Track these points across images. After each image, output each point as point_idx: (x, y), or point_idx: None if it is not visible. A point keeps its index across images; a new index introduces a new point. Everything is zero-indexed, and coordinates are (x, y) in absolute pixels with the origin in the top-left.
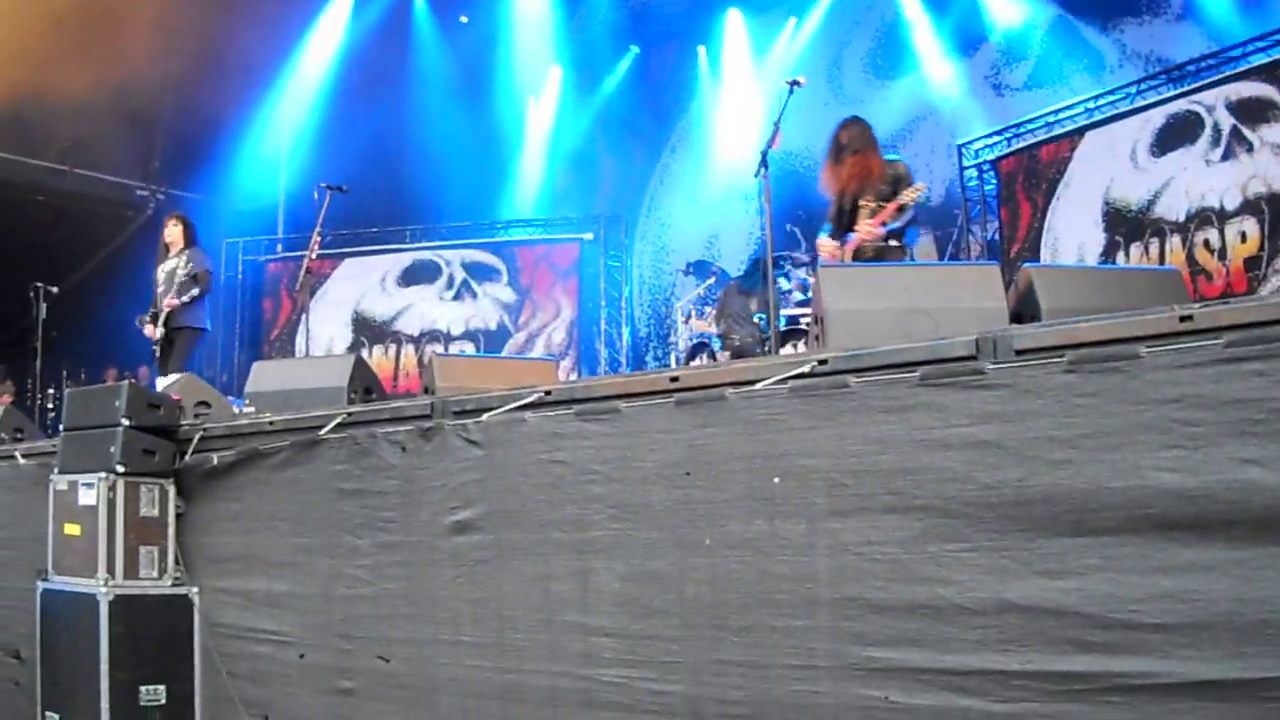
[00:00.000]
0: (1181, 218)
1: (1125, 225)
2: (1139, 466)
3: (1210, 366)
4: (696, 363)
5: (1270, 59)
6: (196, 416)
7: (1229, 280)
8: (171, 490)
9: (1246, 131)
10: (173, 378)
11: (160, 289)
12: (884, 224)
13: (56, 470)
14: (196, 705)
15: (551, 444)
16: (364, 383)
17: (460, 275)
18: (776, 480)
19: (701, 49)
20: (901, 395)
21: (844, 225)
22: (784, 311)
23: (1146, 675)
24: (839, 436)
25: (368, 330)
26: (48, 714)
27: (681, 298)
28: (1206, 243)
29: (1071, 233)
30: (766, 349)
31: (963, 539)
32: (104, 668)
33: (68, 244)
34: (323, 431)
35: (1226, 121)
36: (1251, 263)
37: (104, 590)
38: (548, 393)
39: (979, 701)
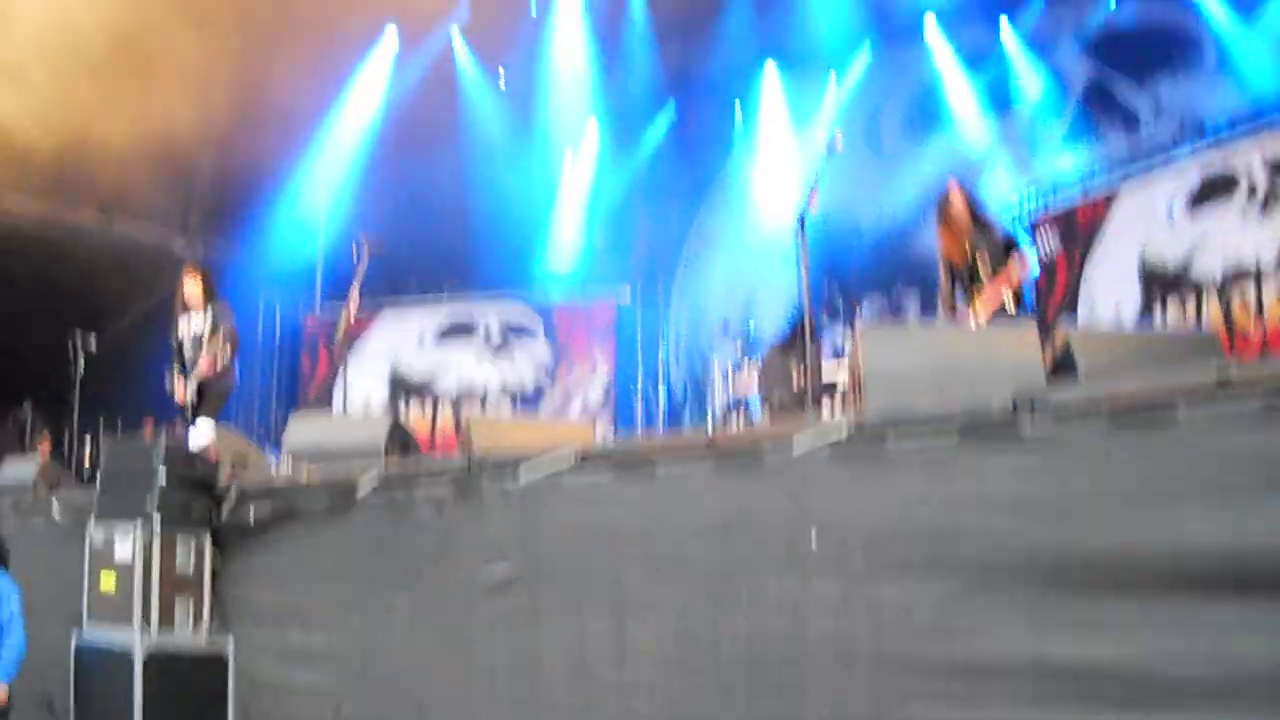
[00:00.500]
0: (1218, 276)
1: (1161, 284)
2: (1177, 525)
3: (1248, 425)
4: (733, 423)
5: None
6: (234, 471)
7: (1266, 338)
8: (208, 543)
9: None
10: (204, 431)
11: (188, 352)
12: (1007, 289)
13: (93, 521)
14: None
15: (588, 504)
16: (401, 440)
17: (497, 333)
18: (814, 539)
19: (739, 105)
20: (939, 454)
21: (963, 287)
22: (823, 370)
23: None
24: (877, 495)
25: (405, 387)
26: None
27: (719, 357)
28: (1243, 301)
29: (1108, 292)
30: (805, 409)
31: (1001, 598)
32: (137, 718)
33: (107, 296)
34: (360, 489)
35: (1262, 178)
36: None
37: (139, 642)
38: (585, 454)
39: None
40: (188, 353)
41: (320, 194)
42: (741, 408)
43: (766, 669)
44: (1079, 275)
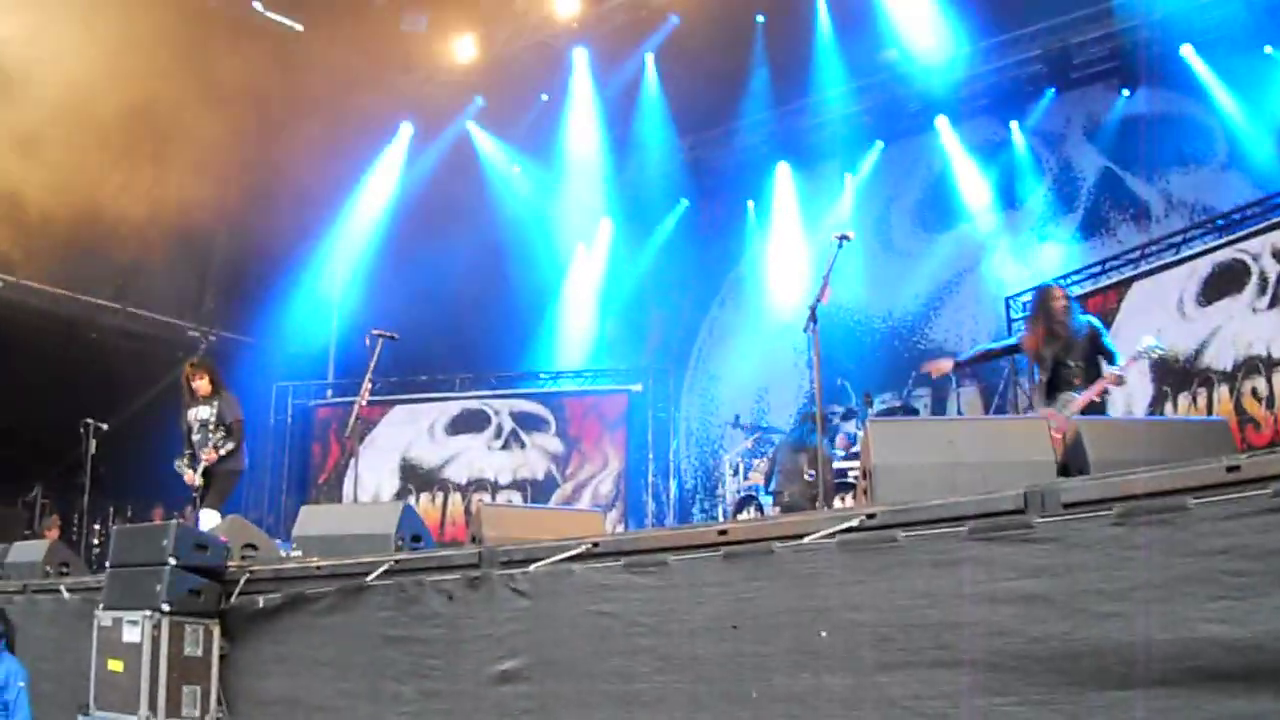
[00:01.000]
0: (1229, 366)
1: (1173, 375)
2: (1187, 618)
3: (1258, 517)
4: (744, 516)
5: None
6: (243, 559)
7: (1277, 428)
8: (216, 630)
9: None
10: (210, 516)
11: (196, 437)
12: (1101, 392)
13: (101, 606)
14: None
15: (599, 595)
16: (412, 530)
17: (509, 425)
18: (824, 634)
19: (751, 203)
20: (949, 549)
21: (1052, 386)
22: (834, 465)
23: None
24: (887, 590)
25: (415, 477)
26: None
27: (730, 450)
28: (1254, 391)
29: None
30: (817, 505)
31: (1011, 692)
32: None
33: (118, 381)
34: (370, 578)
35: (1273, 269)
36: None
37: None
38: (595, 544)
39: None
40: (195, 438)
41: (334, 284)
42: (753, 502)
43: None
44: None
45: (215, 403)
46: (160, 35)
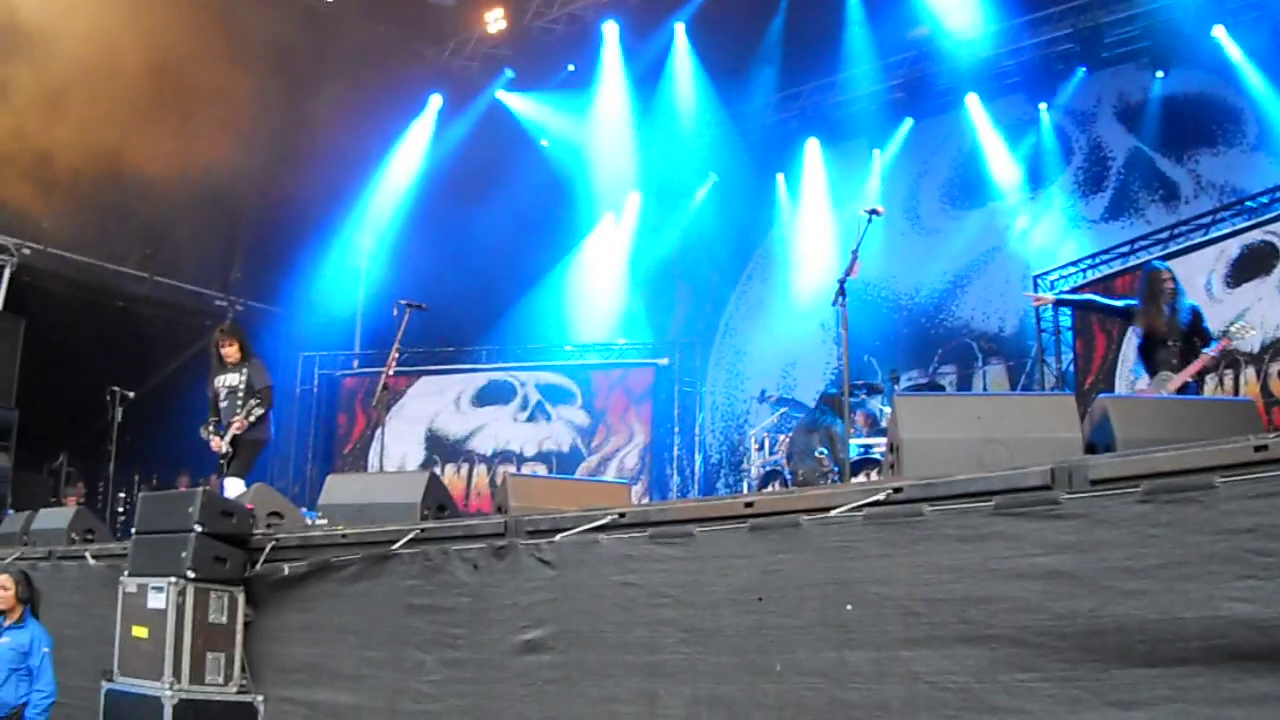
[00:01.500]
0: (1256, 348)
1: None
2: (1212, 597)
3: None
4: (769, 490)
5: None
6: (269, 526)
7: None
8: (241, 598)
9: None
10: (235, 484)
11: (223, 404)
12: (1198, 372)
13: (126, 572)
14: None
15: (624, 566)
16: (437, 499)
17: (535, 397)
18: (849, 607)
19: (780, 177)
20: (976, 524)
21: (1150, 365)
22: (855, 441)
23: None
24: (913, 565)
25: (441, 448)
26: None
27: (755, 425)
28: None
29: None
30: (830, 481)
31: (1035, 669)
32: None
33: (145, 350)
34: (395, 546)
35: None
36: None
37: (169, 694)
38: (622, 515)
39: None
40: (223, 405)
41: (361, 254)
42: (777, 477)
43: None
44: (1117, 348)
45: (244, 370)
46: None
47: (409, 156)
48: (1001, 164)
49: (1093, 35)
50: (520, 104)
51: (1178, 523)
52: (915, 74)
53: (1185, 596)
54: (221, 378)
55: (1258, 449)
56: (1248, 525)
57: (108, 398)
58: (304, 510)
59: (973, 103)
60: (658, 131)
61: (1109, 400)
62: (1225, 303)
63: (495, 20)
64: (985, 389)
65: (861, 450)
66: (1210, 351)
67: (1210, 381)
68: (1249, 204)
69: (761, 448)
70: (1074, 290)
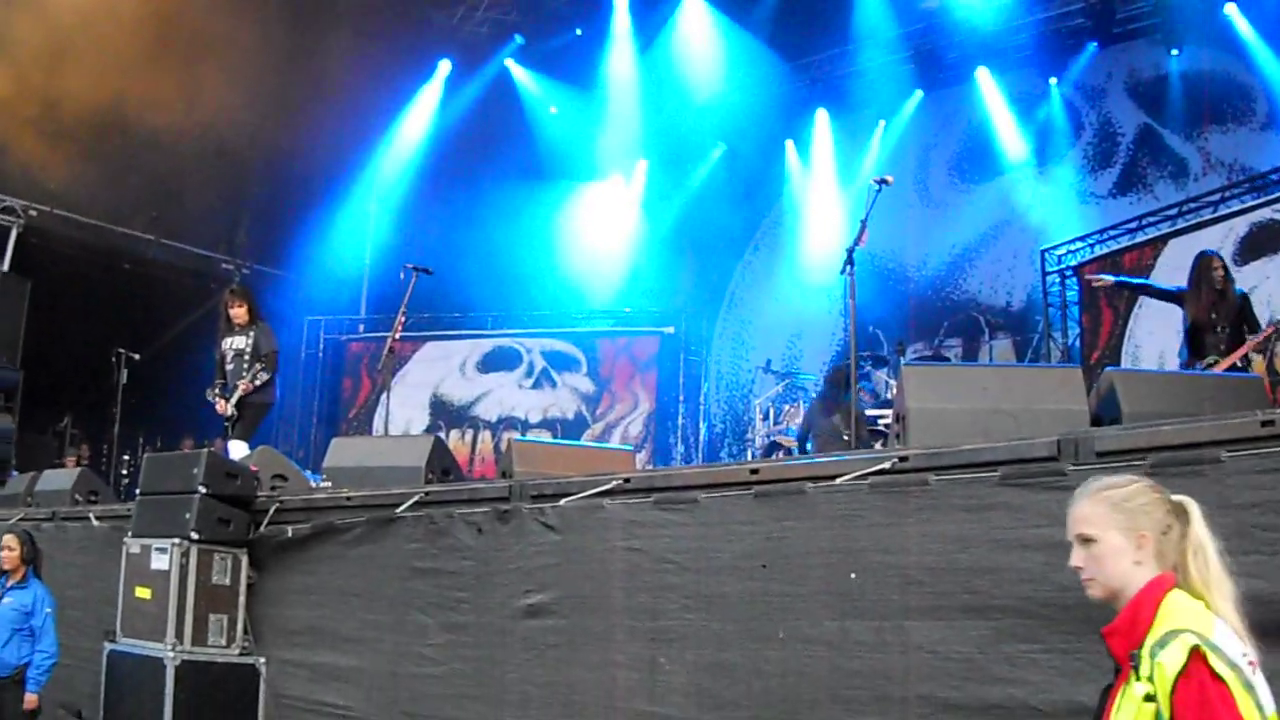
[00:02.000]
0: (1264, 325)
1: None
2: None
3: None
4: (776, 457)
5: None
6: (273, 489)
7: None
8: (244, 560)
9: None
10: (239, 447)
11: (230, 366)
12: (1242, 356)
13: (130, 534)
14: None
15: (628, 531)
16: (442, 463)
17: (540, 364)
18: (853, 576)
19: (789, 147)
20: (981, 494)
21: (1197, 349)
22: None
23: None
24: (918, 534)
25: (446, 414)
26: None
27: (760, 395)
28: None
29: (1153, 340)
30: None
31: (1037, 640)
32: None
33: (151, 312)
34: (399, 509)
35: None
36: None
37: (171, 655)
38: (627, 480)
39: None
40: (229, 368)
41: (368, 218)
42: (780, 449)
43: (800, 706)
44: (1124, 324)
45: (252, 332)
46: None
47: (417, 121)
48: (1011, 138)
49: (1104, 10)
50: (528, 70)
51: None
52: (925, 46)
53: None
54: (229, 340)
55: (1265, 424)
56: (1254, 500)
57: (113, 360)
58: (308, 473)
59: (983, 76)
60: (666, 100)
61: (1116, 374)
62: (1235, 280)
63: None
64: (992, 362)
65: (868, 422)
66: (1256, 337)
67: None
68: (1258, 182)
69: (766, 417)
70: (1111, 273)
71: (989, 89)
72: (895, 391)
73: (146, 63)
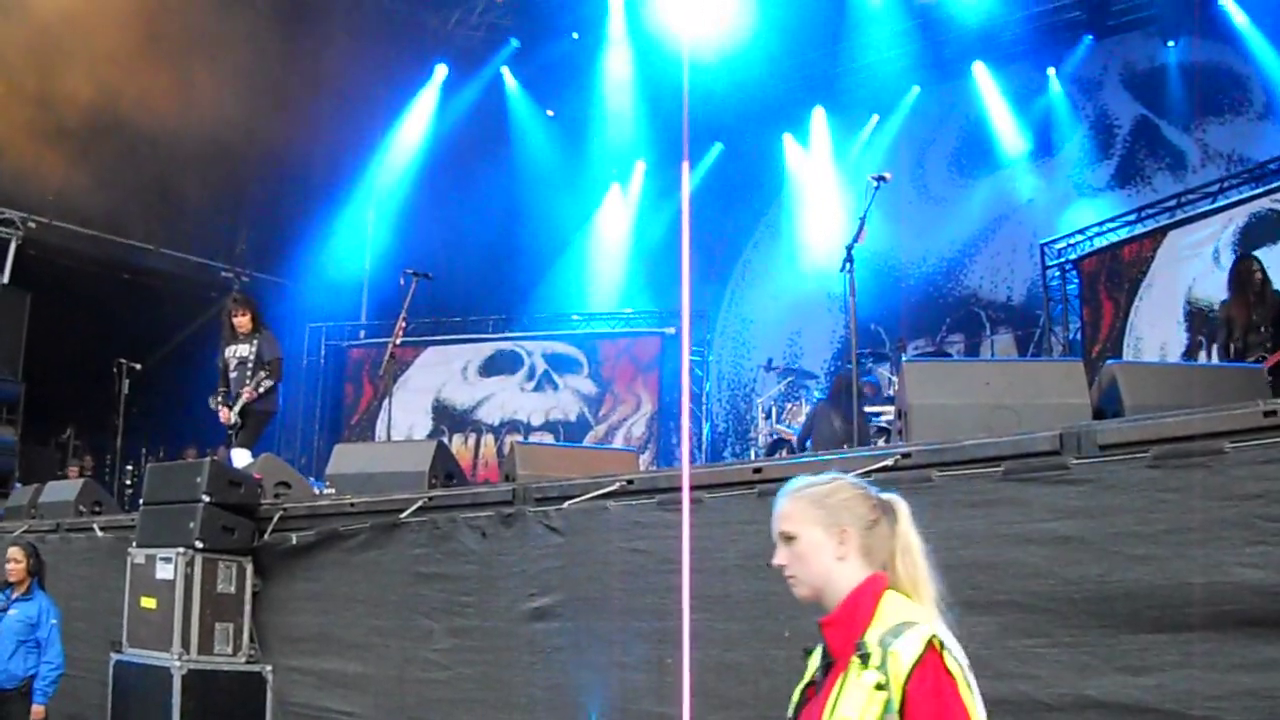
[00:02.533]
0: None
1: (1208, 325)
2: (1222, 563)
3: None
4: (780, 455)
5: None
6: (276, 496)
7: None
8: (249, 568)
9: None
10: (242, 455)
11: (233, 374)
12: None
13: (135, 544)
14: None
15: (632, 533)
16: (445, 468)
17: (541, 366)
18: None
19: (787, 145)
20: (984, 489)
21: (1247, 349)
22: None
23: None
24: (921, 530)
25: (448, 418)
26: None
27: (762, 394)
28: None
29: (1154, 332)
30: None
31: (1044, 634)
32: None
33: (152, 322)
34: (403, 515)
35: None
36: None
37: (178, 664)
38: (630, 481)
39: None
40: (232, 376)
41: (367, 224)
42: (784, 446)
43: None
44: (1125, 316)
45: (255, 340)
46: None
47: (415, 125)
48: (1008, 132)
49: (1100, 3)
50: (525, 73)
51: (1187, 488)
52: (922, 41)
53: (1194, 562)
54: (232, 348)
55: (1267, 414)
56: (1257, 491)
57: (115, 370)
58: (312, 480)
59: (980, 70)
60: (663, 100)
61: (1117, 366)
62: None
63: None
64: (994, 357)
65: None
66: None
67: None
68: (1256, 172)
69: (769, 416)
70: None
71: (986, 83)
72: (897, 388)
73: (139, 61)
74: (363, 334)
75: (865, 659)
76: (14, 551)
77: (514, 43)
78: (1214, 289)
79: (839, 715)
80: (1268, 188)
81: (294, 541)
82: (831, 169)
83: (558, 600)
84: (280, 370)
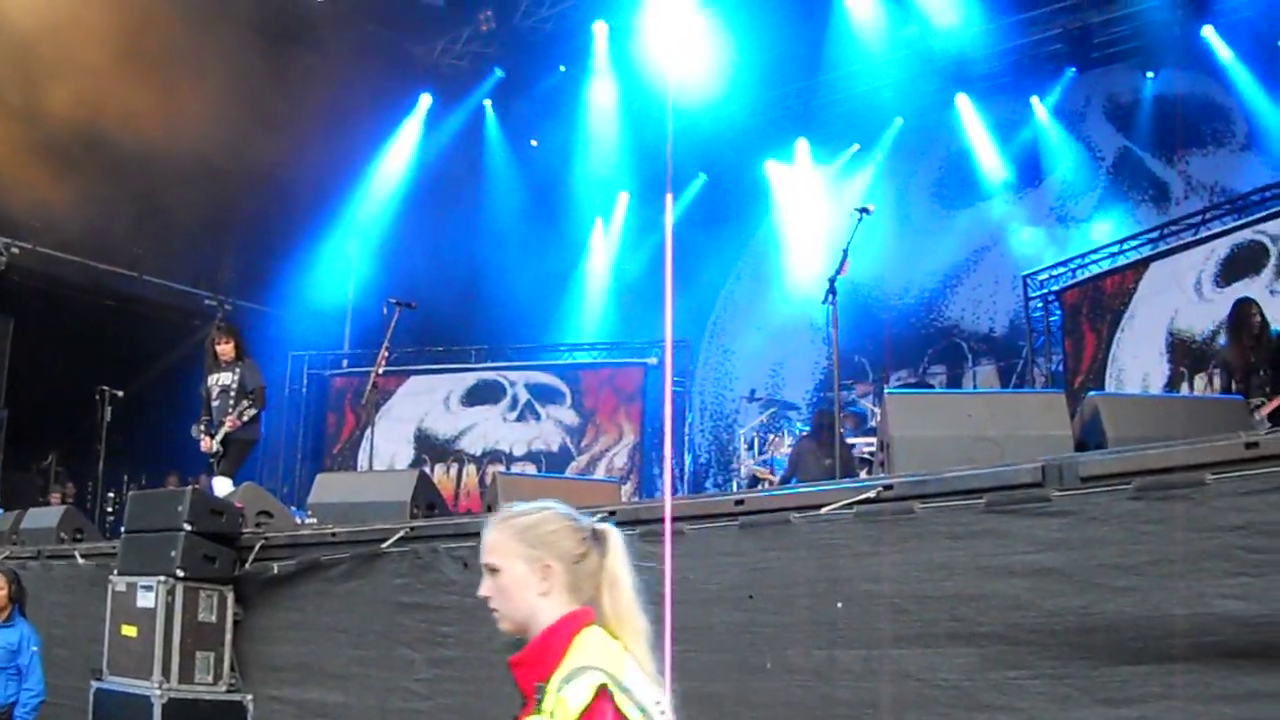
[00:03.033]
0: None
1: (1189, 356)
2: (1203, 594)
3: (1275, 494)
4: (760, 488)
5: None
6: (258, 525)
7: None
8: (230, 597)
9: None
10: (224, 483)
11: (215, 403)
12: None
13: (116, 571)
14: None
15: None
16: (427, 498)
17: (524, 396)
18: (840, 605)
19: (770, 177)
20: (967, 521)
21: (1249, 391)
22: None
23: None
24: (903, 562)
25: (430, 448)
26: None
27: (744, 425)
28: None
29: (1136, 364)
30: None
31: (1026, 666)
32: None
33: (135, 349)
34: (385, 545)
35: None
36: None
37: (158, 693)
38: (612, 513)
39: None
40: (215, 404)
41: (350, 255)
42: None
43: None
44: (1107, 347)
45: (238, 369)
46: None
47: (399, 155)
48: (991, 163)
49: (1082, 35)
50: (509, 103)
51: (1168, 520)
52: (905, 73)
53: (1176, 593)
54: (215, 376)
55: (1248, 446)
56: (1238, 522)
57: (97, 397)
58: (293, 509)
59: (963, 102)
60: (647, 131)
61: (1099, 398)
62: (1215, 302)
63: (485, 20)
64: (976, 389)
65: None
66: None
67: (1200, 381)
68: (1238, 203)
69: (751, 447)
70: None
71: (969, 115)
72: (879, 419)
73: (123, 78)
74: (345, 363)
75: (540, 703)
76: None
77: (498, 73)
78: (1196, 320)
79: None
80: (1250, 219)
81: (275, 571)
82: (815, 200)
83: None
84: (264, 399)
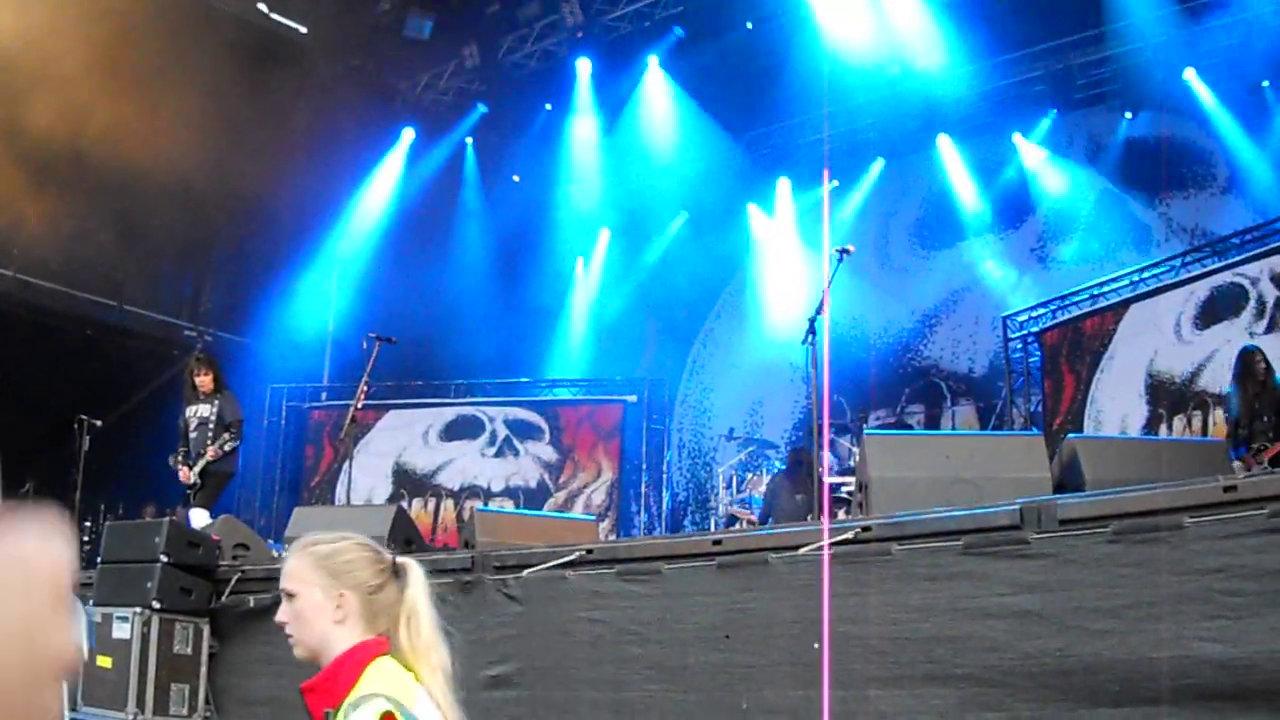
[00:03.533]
0: (1225, 390)
1: (1168, 398)
2: (1181, 637)
3: (1253, 537)
4: (738, 528)
5: None
6: (235, 558)
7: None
8: (206, 629)
9: None
10: (200, 515)
11: (193, 434)
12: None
13: (91, 602)
14: None
15: (591, 602)
16: (404, 533)
17: (503, 432)
18: (816, 646)
19: (751, 216)
20: (944, 563)
21: (1252, 436)
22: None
23: None
24: (881, 604)
25: (408, 483)
26: None
27: (723, 463)
28: None
29: (1115, 405)
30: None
31: (1003, 708)
32: None
33: (113, 379)
34: None
35: (1271, 293)
36: None
37: None
38: (590, 551)
39: None
40: (193, 435)
41: (330, 288)
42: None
43: None
44: (1086, 389)
45: (216, 401)
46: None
47: (381, 188)
48: (972, 204)
49: (1064, 77)
50: (491, 139)
51: (1147, 563)
52: (886, 114)
53: (1154, 636)
54: (193, 408)
55: (1226, 489)
56: (1216, 565)
57: (75, 426)
58: (270, 542)
59: (944, 143)
60: (629, 169)
61: (1078, 441)
62: (1194, 344)
63: (468, 56)
64: (954, 429)
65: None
66: None
67: (1179, 423)
68: (1219, 246)
69: (729, 486)
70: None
71: (950, 156)
72: (857, 459)
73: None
74: (324, 396)
75: None
76: None
77: (481, 108)
78: (1175, 362)
79: None
80: (1229, 261)
81: (251, 604)
82: (795, 240)
83: (515, 669)
84: (242, 431)
